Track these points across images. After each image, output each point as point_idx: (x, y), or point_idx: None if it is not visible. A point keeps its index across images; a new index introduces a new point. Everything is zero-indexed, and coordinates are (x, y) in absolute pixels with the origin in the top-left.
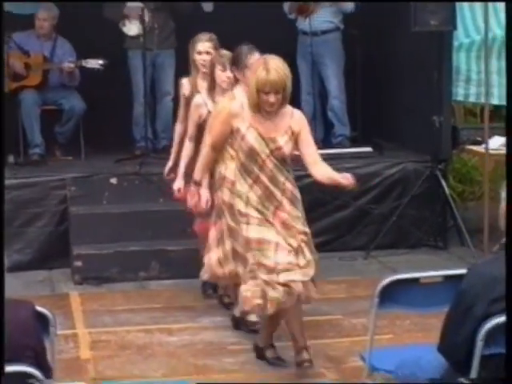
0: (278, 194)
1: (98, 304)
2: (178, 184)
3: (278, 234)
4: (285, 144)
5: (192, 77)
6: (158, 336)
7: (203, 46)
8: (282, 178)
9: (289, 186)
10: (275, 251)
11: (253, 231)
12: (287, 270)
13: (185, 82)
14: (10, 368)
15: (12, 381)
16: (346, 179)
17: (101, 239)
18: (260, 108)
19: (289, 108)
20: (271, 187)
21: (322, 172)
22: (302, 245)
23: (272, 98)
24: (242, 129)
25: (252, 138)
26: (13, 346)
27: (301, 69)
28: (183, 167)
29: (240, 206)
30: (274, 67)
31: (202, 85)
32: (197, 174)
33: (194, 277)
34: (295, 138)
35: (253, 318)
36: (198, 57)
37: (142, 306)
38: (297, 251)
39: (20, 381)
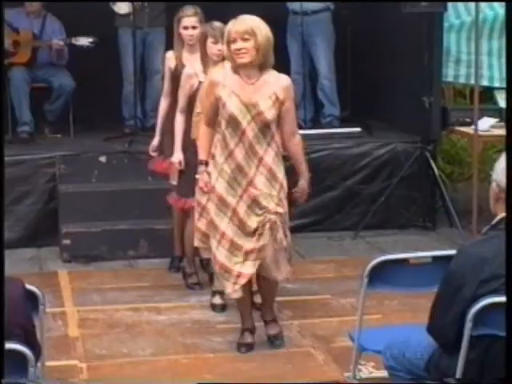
0: (251, 169)
1: (86, 282)
2: (178, 156)
3: (231, 221)
4: (267, 109)
5: (177, 50)
6: (146, 315)
7: (189, 21)
8: (260, 151)
9: (268, 160)
10: (217, 244)
11: (211, 210)
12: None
13: (170, 56)
14: None
15: (1, 359)
16: (300, 193)
17: (89, 217)
18: (236, 66)
19: (274, 72)
20: (244, 162)
21: (293, 151)
22: (267, 226)
23: (239, 45)
24: (223, 96)
25: (232, 105)
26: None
27: (290, 48)
28: (180, 141)
29: (213, 177)
30: (243, 17)
31: (188, 58)
32: (201, 154)
33: None
34: (279, 105)
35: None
36: (184, 32)
37: (130, 285)
38: (254, 233)
39: (10, 359)
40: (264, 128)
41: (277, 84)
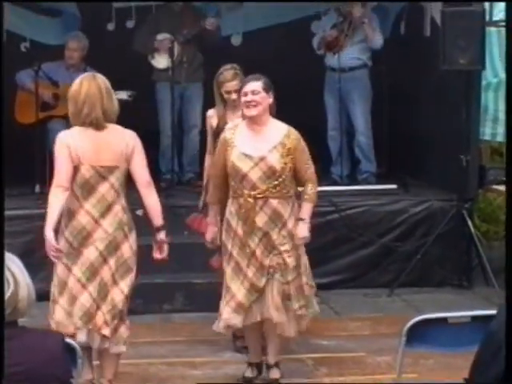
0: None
1: None
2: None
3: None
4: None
5: (218, 107)
6: (180, 369)
7: (231, 86)
8: None
9: None
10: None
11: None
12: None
13: (212, 114)
14: None
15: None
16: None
17: None
18: None
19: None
20: None
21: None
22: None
23: None
24: None
25: None
26: (40, 377)
27: (328, 105)
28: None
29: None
30: None
31: (231, 116)
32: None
33: (217, 310)
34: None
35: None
36: (227, 96)
37: (165, 339)
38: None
39: None
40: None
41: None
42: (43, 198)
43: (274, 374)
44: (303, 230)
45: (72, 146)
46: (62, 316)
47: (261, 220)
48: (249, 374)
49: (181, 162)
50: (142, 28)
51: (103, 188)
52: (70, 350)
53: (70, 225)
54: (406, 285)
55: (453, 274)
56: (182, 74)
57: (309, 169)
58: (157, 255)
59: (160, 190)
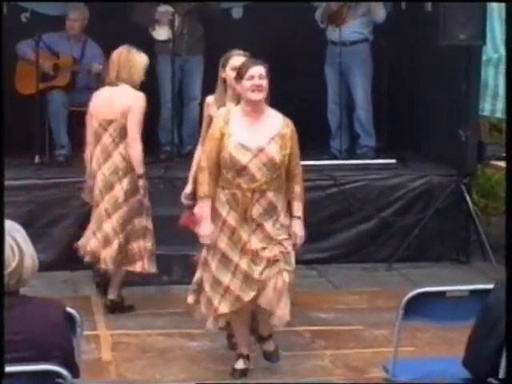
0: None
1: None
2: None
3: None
4: None
5: (220, 96)
6: (179, 340)
7: (240, 60)
8: None
9: None
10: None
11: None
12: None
13: (211, 102)
14: (38, 367)
15: (40, 380)
16: None
17: None
18: None
19: None
20: None
21: None
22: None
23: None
24: None
25: None
26: (41, 345)
27: (328, 78)
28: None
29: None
30: None
31: (232, 105)
32: None
33: None
34: None
35: None
36: (231, 72)
37: (163, 310)
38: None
39: (48, 380)
40: None
41: None
42: (43, 168)
43: (269, 345)
44: (302, 229)
45: (90, 103)
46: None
47: (256, 212)
48: (240, 365)
49: (180, 134)
50: None
51: (105, 138)
52: (70, 318)
53: (89, 168)
54: (403, 259)
55: (451, 249)
56: (182, 46)
57: (298, 163)
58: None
59: (159, 162)
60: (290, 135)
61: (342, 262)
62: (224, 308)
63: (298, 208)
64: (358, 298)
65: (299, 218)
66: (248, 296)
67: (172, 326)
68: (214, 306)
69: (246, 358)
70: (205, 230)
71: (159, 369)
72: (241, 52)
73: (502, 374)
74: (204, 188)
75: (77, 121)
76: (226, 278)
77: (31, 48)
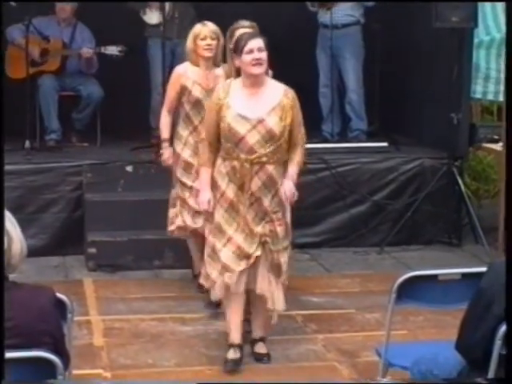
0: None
1: (111, 291)
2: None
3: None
4: None
5: (229, 66)
6: (171, 325)
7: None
8: None
9: None
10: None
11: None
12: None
13: (221, 74)
14: (28, 353)
15: (30, 367)
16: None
17: (115, 226)
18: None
19: None
20: None
21: None
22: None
23: None
24: None
25: None
26: (31, 332)
27: (320, 61)
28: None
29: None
30: None
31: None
32: None
33: None
34: None
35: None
36: None
37: (155, 295)
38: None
39: (38, 367)
40: None
41: None
42: (33, 153)
43: (261, 348)
44: (289, 186)
45: None
46: None
47: (255, 185)
48: (232, 355)
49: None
50: None
51: None
52: (60, 304)
53: None
54: (395, 242)
55: (443, 232)
56: (173, 30)
57: (300, 132)
58: None
59: (150, 147)
60: (290, 104)
61: (334, 245)
62: (217, 278)
63: (292, 170)
64: (350, 281)
65: (291, 177)
66: (240, 267)
67: (164, 310)
68: (212, 277)
69: (238, 347)
70: (204, 196)
71: (152, 354)
72: (247, 23)
73: (491, 374)
74: (204, 157)
75: (67, 105)
76: (219, 248)
77: (21, 32)
